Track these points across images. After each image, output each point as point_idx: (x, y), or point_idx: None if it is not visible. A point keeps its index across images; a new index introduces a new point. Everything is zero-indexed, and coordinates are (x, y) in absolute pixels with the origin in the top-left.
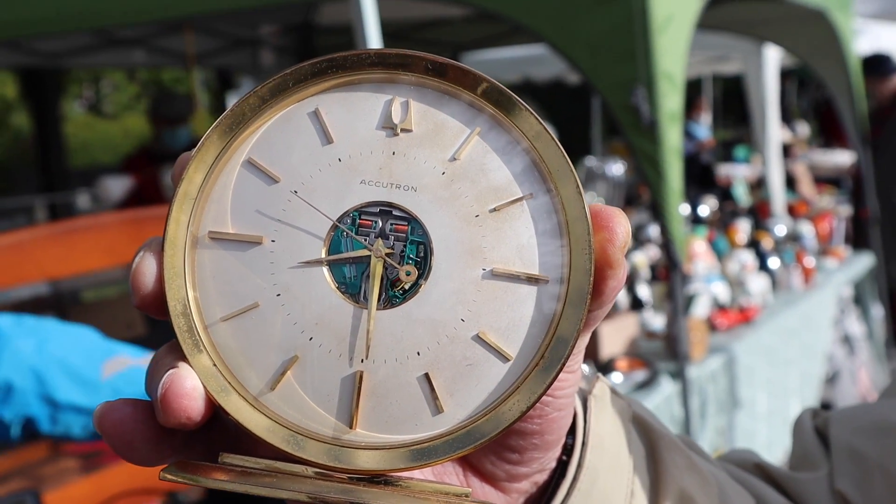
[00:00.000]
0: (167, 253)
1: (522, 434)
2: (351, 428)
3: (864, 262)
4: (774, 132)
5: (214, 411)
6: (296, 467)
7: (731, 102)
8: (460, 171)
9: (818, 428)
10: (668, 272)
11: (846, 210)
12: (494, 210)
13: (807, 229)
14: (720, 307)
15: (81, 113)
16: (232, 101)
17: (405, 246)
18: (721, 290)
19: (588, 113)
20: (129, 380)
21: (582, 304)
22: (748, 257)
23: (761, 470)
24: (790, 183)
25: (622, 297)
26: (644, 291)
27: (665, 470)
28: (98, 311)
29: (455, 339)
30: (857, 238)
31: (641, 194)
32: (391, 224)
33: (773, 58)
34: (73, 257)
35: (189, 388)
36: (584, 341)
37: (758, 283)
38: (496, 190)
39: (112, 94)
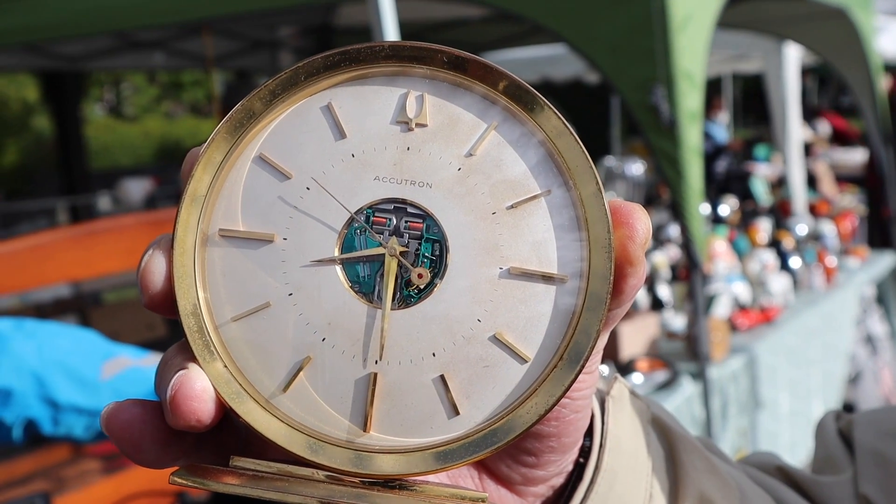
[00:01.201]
0: (176, 251)
1: (539, 437)
2: (365, 431)
3: (887, 261)
4: (795, 131)
5: (225, 413)
6: (307, 471)
7: (751, 101)
8: (476, 166)
9: (842, 431)
10: (689, 272)
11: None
12: (511, 207)
13: (828, 228)
14: (741, 307)
15: (102, 115)
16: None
17: (420, 244)
18: (742, 290)
19: (607, 112)
20: (129, 380)
21: (602, 303)
22: (769, 257)
23: (783, 473)
24: (811, 182)
25: (642, 298)
26: (664, 291)
27: (684, 472)
28: (119, 312)
29: (471, 339)
30: (872, 237)
31: (661, 194)
32: (406, 221)
33: (793, 56)
34: (95, 259)
35: (199, 389)
36: (602, 341)
37: (779, 283)
38: (513, 186)
39: (132, 97)
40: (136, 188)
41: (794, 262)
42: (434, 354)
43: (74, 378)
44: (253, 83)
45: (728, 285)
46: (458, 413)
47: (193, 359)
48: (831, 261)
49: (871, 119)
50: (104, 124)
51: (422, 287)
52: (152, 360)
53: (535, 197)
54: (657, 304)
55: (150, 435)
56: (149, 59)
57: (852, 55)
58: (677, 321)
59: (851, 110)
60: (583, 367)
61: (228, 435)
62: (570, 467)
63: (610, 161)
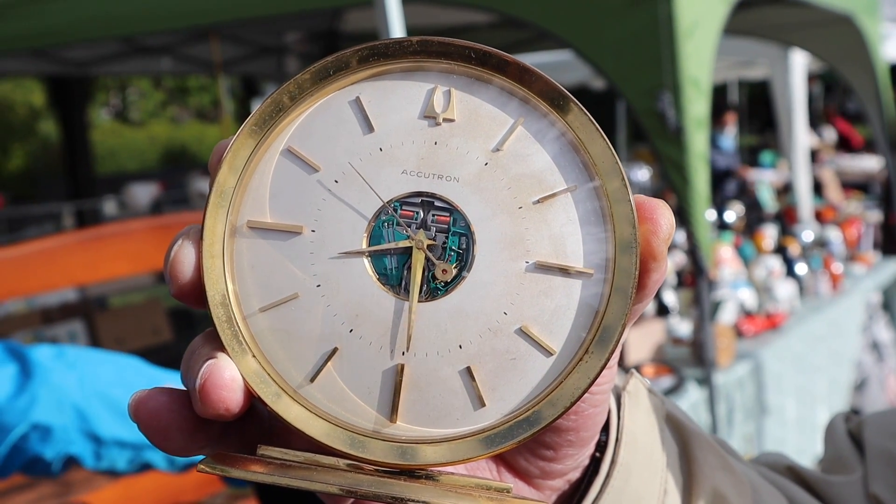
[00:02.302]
0: (206, 242)
1: (558, 431)
2: (392, 421)
3: (893, 267)
4: (801, 137)
5: (252, 402)
6: (333, 460)
7: (756, 107)
8: (503, 161)
9: (851, 432)
10: (695, 278)
11: (875, 216)
12: (538, 202)
13: (834, 235)
14: (747, 313)
15: (108, 120)
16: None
17: (447, 237)
18: (748, 297)
19: (613, 119)
20: None
21: (626, 298)
22: (775, 263)
23: (793, 472)
24: (817, 188)
25: (649, 304)
26: (670, 297)
27: (698, 469)
28: (124, 316)
29: (498, 332)
30: (887, 244)
31: (667, 200)
32: (433, 215)
33: (799, 63)
34: (101, 264)
35: (228, 378)
36: (626, 335)
37: (785, 290)
38: (539, 181)
39: (138, 102)
40: (143, 193)
41: (800, 268)
42: (460, 347)
43: (117, 411)
44: (261, 90)
45: (734, 291)
46: (483, 405)
47: (222, 348)
48: (837, 267)
49: (878, 126)
50: (110, 129)
51: (449, 280)
52: None
53: (561, 192)
54: (663, 310)
55: (177, 423)
56: (156, 65)
57: (859, 62)
58: (683, 327)
59: (857, 116)
60: (608, 360)
61: (252, 424)
62: (586, 462)
63: None
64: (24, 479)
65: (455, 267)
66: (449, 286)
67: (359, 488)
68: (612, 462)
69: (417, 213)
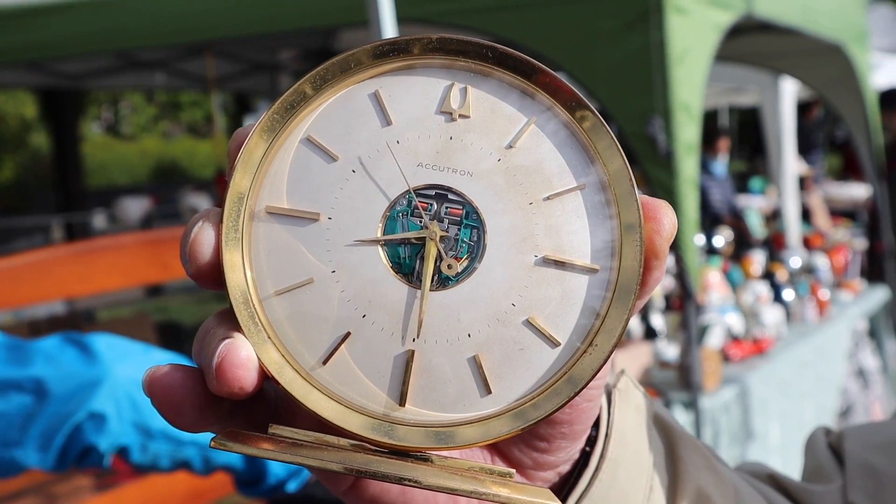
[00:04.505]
0: (226, 225)
1: (552, 423)
2: (401, 405)
3: (879, 295)
4: (790, 164)
5: (263, 382)
6: (344, 441)
7: (746, 133)
8: (516, 158)
9: (831, 444)
10: (683, 302)
11: (861, 243)
12: (548, 199)
13: (822, 262)
14: (734, 338)
15: (99, 133)
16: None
17: (459, 229)
18: (735, 321)
19: None
20: None
21: (630, 293)
22: (762, 288)
23: (774, 480)
24: (805, 215)
25: (636, 326)
26: (658, 321)
27: (684, 468)
28: (112, 329)
29: (506, 322)
30: (873, 271)
31: None
32: (446, 207)
33: (789, 90)
34: (93, 277)
35: (244, 358)
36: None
37: (772, 315)
38: (550, 179)
39: (130, 116)
40: (135, 207)
41: (788, 294)
42: (469, 335)
43: None
44: (254, 107)
45: (721, 316)
46: (490, 392)
47: (238, 329)
48: (824, 294)
49: (866, 154)
50: (101, 143)
51: (460, 270)
52: None
53: (571, 190)
54: (650, 334)
55: (190, 400)
56: (149, 79)
57: (848, 90)
58: (670, 350)
59: (845, 145)
60: (611, 353)
61: (260, 404)
62: (577, 455)
63: None
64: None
65: (466, 258)
66: (460, 276)
67: (369, 468)
68: (602, 456)
69: (431, 204)
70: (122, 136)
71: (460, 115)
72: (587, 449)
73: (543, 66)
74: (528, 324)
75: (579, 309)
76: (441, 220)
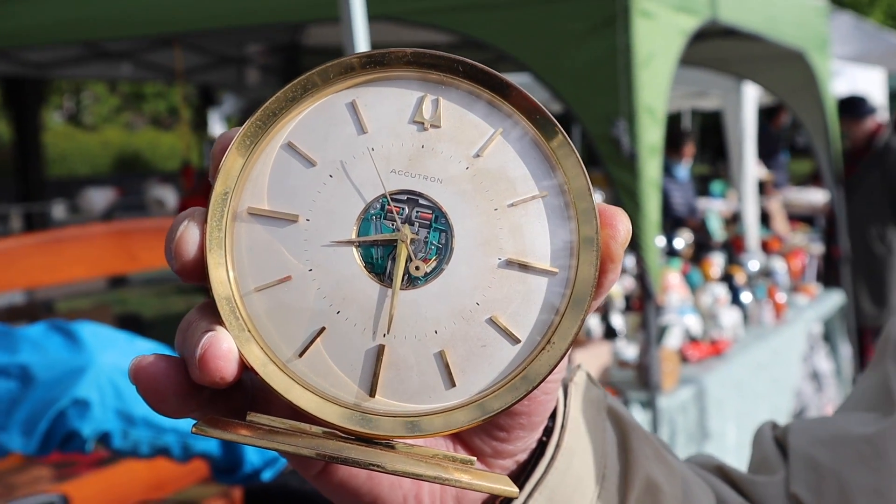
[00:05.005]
0: (210, 224)
1: (512, 414)
2: (371, 396)
3: (835, 299)
4: (751, 169)
5: (242, 372)
6: (316, 428)
7: (708, 137)
8: (483, 167)
9: (777, 438)
10: (643, 303)
11: (818, 248)
12: (512, 205)
13: (779, 265)
14: (692, 339)
15: (61, 123)
16: (214, 116)
17: (429, 232)
18: (693, 323)
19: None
20: None
21: (587, 295)
22: (721, 291)
23: (721, 471)
24: (765, 219)
25: (596, 326)
26: (618, 321)
27: (634, 458)
28: (72, 321)
29: (470, 320)
30: (829, 276)
31: None
32: (417, 211)
33: (751, 95)
34: (59, 267)
35: (225, 349)
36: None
37: (730, 317)
38: (514, 186)
39: (92, 106)
40: (99, 197)
41: (745, 296)
42: (436, 332)
43: None
44: (218, 100)
45: (680, 317)
46: (454, 385)
47: (219, 322)
48: (781, 297)
49: (825, 160)
50: (63, 132)
51: (428, 271)
52: None
53: (533, 197)
54: (610, 333)
55: (173, 388)
56: (115, 70)
57: (808, 97)
58: (629, 350)
59: (805, 150)
60: (567, 350)
61: (238, 393)
62: (534, 445)
63: None
64: None
65: (434, 260)
66: (428, 276)
67: (339, 454)
68: (558, 446)
69: (403, 208)
70: (84, 126)
71: (431, 125)
72: (544, 439)
73: (511, 81)
74: (491, 322)
75: (539, 308)
76: (412, 224)
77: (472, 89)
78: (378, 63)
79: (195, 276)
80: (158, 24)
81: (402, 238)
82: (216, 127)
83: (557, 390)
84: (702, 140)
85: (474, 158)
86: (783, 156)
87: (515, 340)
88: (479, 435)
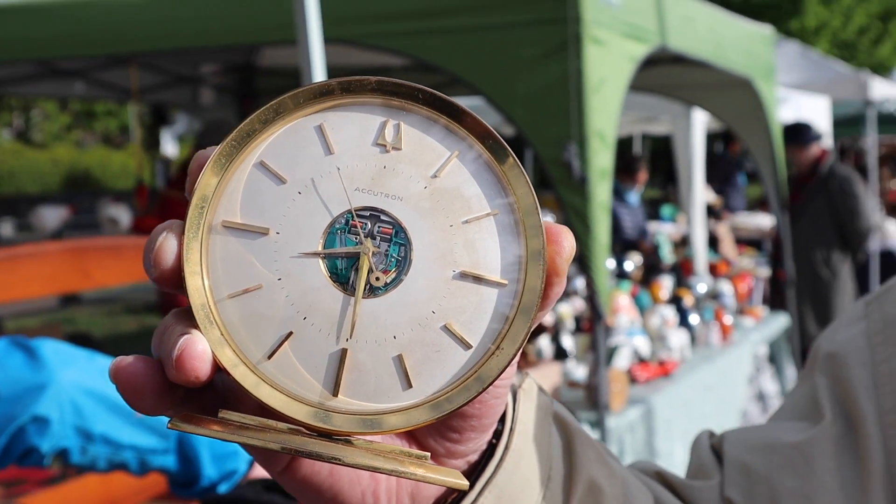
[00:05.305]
0: (187, 236)
1: (464, 417)
2: (335, 395)
3: (781, 322)
4: (699, 193)
5: (216, 373)
6: (283, 425)
7: (659, 162)
8: (440, 187)
9: (713, 445)
10: (592, 324)
11: (765, 271)
12: (466, 222)
13: (726, 288)
14: (641, 360)
15: (9, 140)
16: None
17: (389, 246)
18: (642, 344)
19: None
20: (160, 419)
21: (533, 305)
22: (669, 313)
23: (661, 476)
24: (713, 243)
25: (546, 347)
26: (568, 342)
27: (578, 461)
28: None
29: (426, 327)
30: (775, 299)
31: None
32: (379, 227)
33: (700, 121)
34: (13, 284)
35: (200, 351)
36: (526, 339)
37: (678, 338)
38: (468, 205)
39: (42, 123)
40: (52, 216)
41: (693, 318)
42: (395, 337)
43: (112, 410)
44: (171, 119)
45: (629, 338)
46: (411, 386)
47: (195, 326)
48: (728, 319)
49: (771, 185)
50: (11, 149)
51: (388, 281)
52: None
53: (486, 215)
54: (561, 354)
55: (150, 386)
56: (67, 88)
57: (755, 123)
58: (579, 371)
59: (752, 176)
60: (515, 355)
61: (210, 392)
62: (484, 446)
63: None
64: None
65: (394, 271)
66: (388, 287)
67: (303, 448)
68: (506, 448)
69: (366, 224)
70: (33, 143)
71: (393, 147)
72: (494, 441)
73: (466, 108)
74: (446, 329)
75: (490, 317)
76: (374, 238)
77: (431, 115)
78: (345, 90)
79: (172, 283)
80: (114, 43)
81: (365, 251)
82: (168, 146)
83: (506, 395)
84: (652, 164)
85: (432, 178)
86: (741, 180)
87: (468, 346)
88: (434, 436)
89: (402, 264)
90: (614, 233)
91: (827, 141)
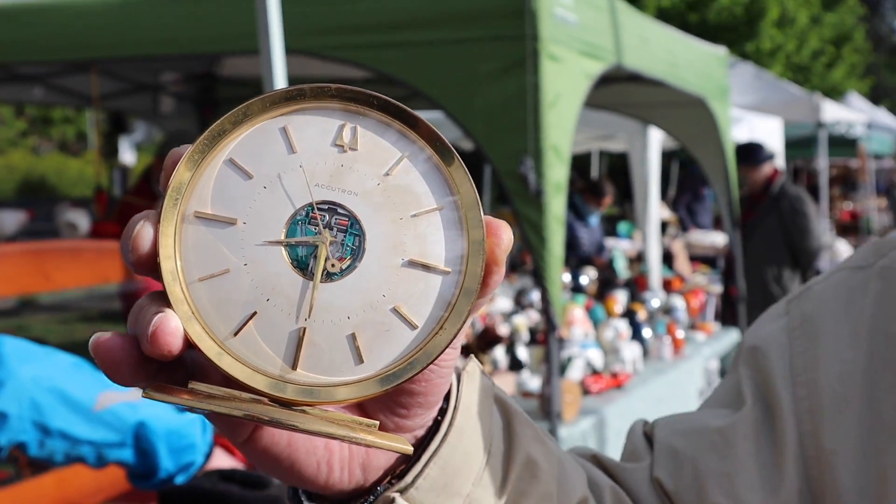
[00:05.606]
0: (163, 224)
1: (411, 394)
2: (294, 369)
3: (732, 337)
4: (654, 210)
5: (186, 348)
6: (247, 396)
7: (616, 178)
8: (391, 184)
9: (646, 432)
10: (546, 334)
11: (717, 287)
12: (415, 216)
13: (679, 303)
14: (594, 372)
15: None
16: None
17: (345, 236)
18: (595, 356)
19: (481, 179)
20: (118, 414)
21: (474, 291)
22: (623, 326)
23: (596, 459)
24: (669, 259)
25: (502, 358)
26: (523, 353)
27: (517, 439)
28: None
29: (377, 309)
30: (726, 315)
31: (525, 261)
32: (336, 219)
33: (656, 139)
34: None
35: (173, 327)
36: (470, 321)
37: (630, 351)
38: (417, 200)
39: None
40: (10, 220)
41: (646, 332)
42: (348, 318)
43: (70, 406)
44: (130, 127)
45: (583, 350)
46: (362, 362)
47: (168, 305)
48: (680, 333)
49: (724, 203)
50: None
51: (344, 268)
52: (136, 394)
53: (433, 210)
54: (515, 366)
55: (126, 360)
56: (24, 94)
57: (709, 142)
58: (533, 382)
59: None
60: (455, 335)
61: (181, 366)
62: (430, 423)
63: None
64: None
65: (349, 259)
66: (343, 273)
67: (264, 416)
68: (450, 424)
69: (325, 216)
70: None
71: (350, 148)
72: (439, 418)
73: (416, 113)
74: (394, 311)
75: (434, 301)
76: (331, 229)
77: (385, 120)
78: (306, 96)
79: (147, 267)
80: (74, 49)
81: (323, 240)
82: (126, 154)
83: (450, 375)
84: (610, 180)
85: (384, 176)
86: (709, 197)
87: (414, 326)
88: (384, 411)
89: (357, 253)
90: (572, 249)
91: (779, 161)
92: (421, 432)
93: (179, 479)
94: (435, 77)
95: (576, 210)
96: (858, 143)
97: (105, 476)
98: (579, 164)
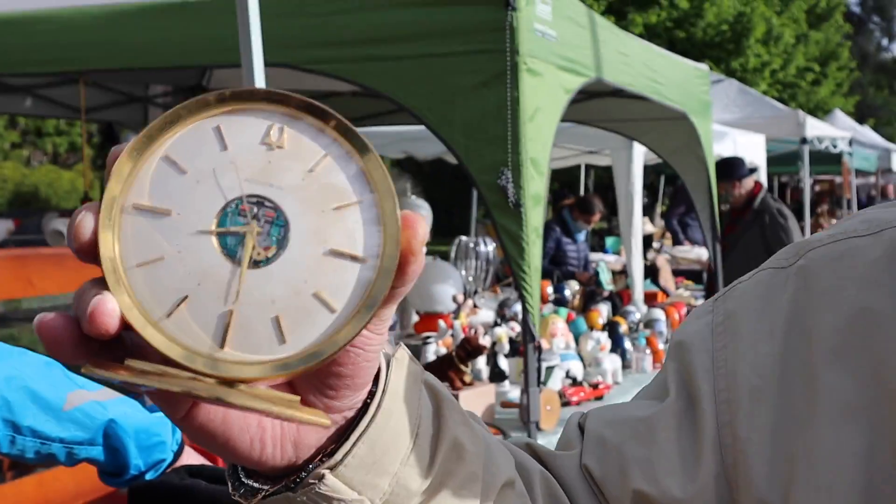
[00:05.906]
0: (103, 214)
1: (339, 376)
2: (222, 348)
3: None
4: (637, 224)
5: (123, 328)
6: (180, 372)
7: (603, 193)
8: (315, 179)
9: (580, 423)
10: (525, 344)
11: (699, 302)
12: (336, 208)
13: (660, 316)
14: (574, 382)
15: None
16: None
17: (272, 226)
18: (576, 367)
19: (469, 192)
20: (87, 413)
21: (389, 278)
22: (604, 338)
23: (530, 447)
24: (653, 273)
25: (483, 369)
26: (504, 364)
27: (445, 422)
28: None
29: (299, 294)
30: None
31: (509, 274)
32: (263, 211)
33: (640, 153)
34: None
35: (110, 308)
36: (390, 309)
37: (610, 362)
38: (338, 194)
39: None
40: None
41: (627, 344)
42: (273, 302)
43: (40, 404)
44: (120, 139)
45: (563, 361)
46: (285, 342)
47: (107, 288)
48: (661, 345)
49: (706, 218)
50: None
51: (269, 256)
52: (106, 393)
53: (352, 203)
54: (496, 377)
55: (68, 338)
56: (15, 105)
57: (691, 158)
58: (514, 392)
59: (686, 211)
60: (371, 318)
61: (119, 345)
62: (359, 405)
63: (462, 239)
64: None
65: (275, 248)
66: (269, 260)
67: (193, 390)
68: (378, 406)
69: (253, 208)
70: None
71: (277, 146)
72: (368, 400)
73: (337, 114)
74: (315, 296)
75: (352, 287)
76: (259, 220)
77: (310, 120)
78: (239, 98)
79: (89, 254)
80: (63, 61)
81: (250, 231)
82: None
83: (376, 359)
84: (596, 195)
85: (308, 172)
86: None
87: (333, 310)
88: (313, 391)
89: (282, 242)
90: (558, 264)
91: (762, 176)
92: (351, 413)
93: (149, 477)
94: (417, 90)
95: (564, 226)
96: (842, 159)
97: (87, 479)
98: (567, 178)
